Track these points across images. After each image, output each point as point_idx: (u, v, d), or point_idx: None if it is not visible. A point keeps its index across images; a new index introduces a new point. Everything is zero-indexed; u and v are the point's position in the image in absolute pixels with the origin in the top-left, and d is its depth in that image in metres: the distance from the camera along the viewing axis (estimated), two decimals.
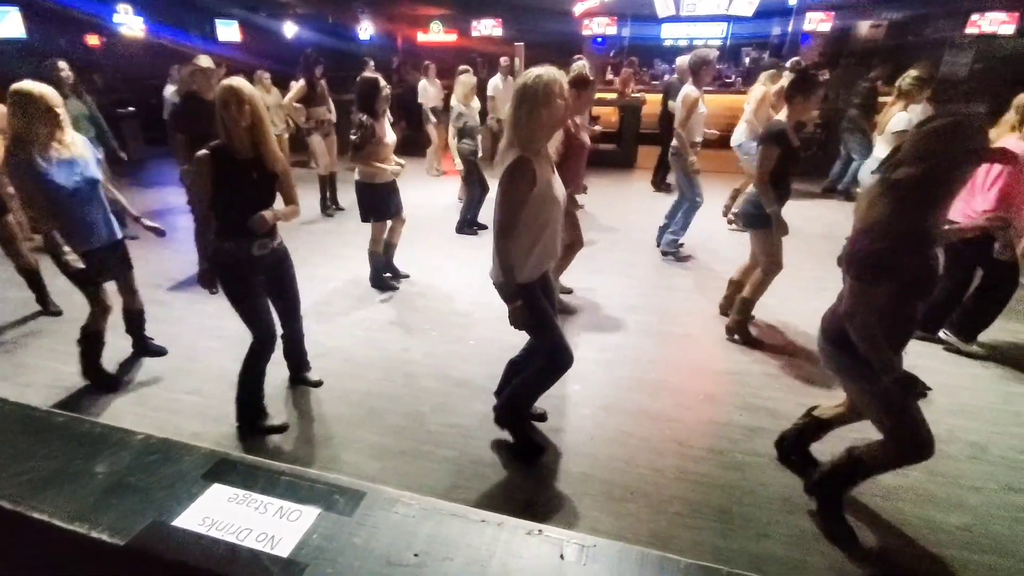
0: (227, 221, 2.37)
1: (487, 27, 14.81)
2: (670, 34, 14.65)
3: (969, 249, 3.10)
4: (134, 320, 3.26)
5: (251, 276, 2.45)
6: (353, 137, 3.70)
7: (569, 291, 4.15)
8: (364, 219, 4.01)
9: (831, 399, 2.39)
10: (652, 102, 9.15)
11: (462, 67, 5.96)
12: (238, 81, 2.21)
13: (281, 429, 2.67)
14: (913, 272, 1.66)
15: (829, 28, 11.02)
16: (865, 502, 2.23)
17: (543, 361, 2.34)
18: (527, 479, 2.40)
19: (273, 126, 6.62)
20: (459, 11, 15.55)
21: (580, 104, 3.35)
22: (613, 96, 9.33)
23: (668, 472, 2.40)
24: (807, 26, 10.96)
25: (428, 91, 7.59)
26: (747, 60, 13.38)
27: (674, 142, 4.52)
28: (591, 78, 3.39)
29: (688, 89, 4.38)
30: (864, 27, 11.97)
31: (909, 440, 1.86)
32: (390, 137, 3.87)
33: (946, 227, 2.91)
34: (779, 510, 2.20)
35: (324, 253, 5.02)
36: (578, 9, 14.61)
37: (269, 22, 14.06)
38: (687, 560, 1.01)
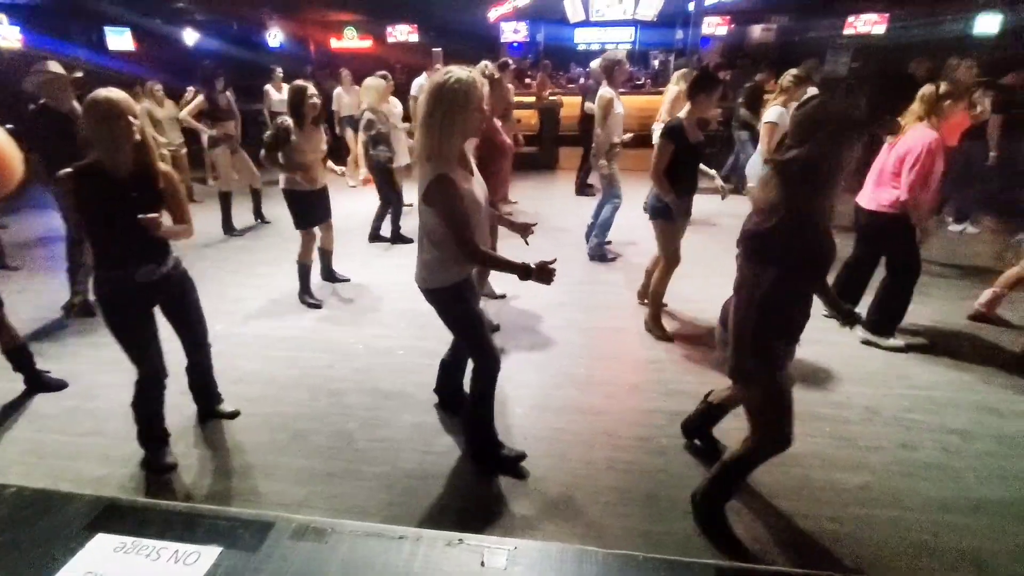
0: (105, 247, 2.14)
1: (403, 33, 14.64)
2: (583, 39, 15.10)
3: (880, 235, 3.29)
4: (18, 357, 2.95)
5: (136, 306, 2.22)
6: (265, 137, 3.59)
7: (501, 296, 4.17)
8: (297, 226, 3.94)
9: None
10: (569, 104, 9.44)
11: (380, 73, 5.84)
12: (116, 92, 2.03)
13: (170, 467, 2.42)
14: (801, 254, 1.66)
15: (726, 32, 11.83)
16: (773, 472, 2.38)
17: (476, 371, 2.30)
18: (463, 487, 2.37)
19: (166, 141, 6.25)
20: (373, 17, 15.25)
21: (493, 102, 3.18)
22: (531, 99, 9.52)
23: (599, 464, 2.45)
24: (706, 30, 11.69)
25: (343, 99, 7.37)
26: (656, 63, 14.07)
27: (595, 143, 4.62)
28: (496, 75, 3.38)
29: (603, 91, 4.47)
30: (757, 30, 12.94)
31: (776, 434, 1.89)
32: (314, 147, 3.75)
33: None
34: None
35: (236, 272, 4.75)
36: (492, 14, 14.78)
37: (166, 29, 13.13)
38: (604, 551, 1.04)
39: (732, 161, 7.14)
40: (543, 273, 2.05)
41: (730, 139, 7.30)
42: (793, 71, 4.31)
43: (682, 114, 3.24)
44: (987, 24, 9.89)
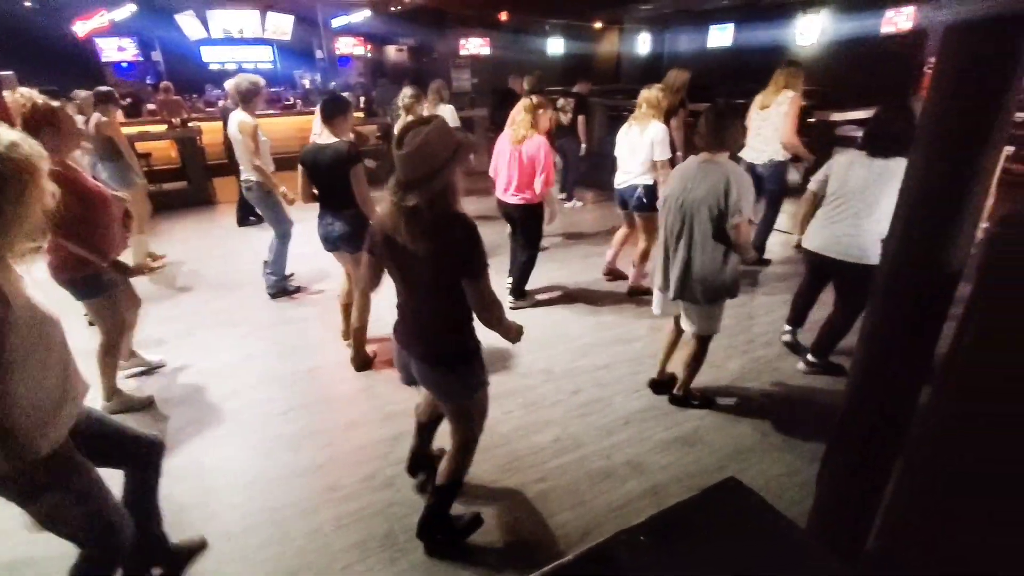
0: None
1: None
2: (213, 57, 13.63)
3: (522, 220, 4.01)
4: None
5: None
6: None
7: (161, 365, 3.48)
8: None
9: None
10: (211, 130, 8.43)
11: None
12: None
13: None
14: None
15: (364, 52, 12.34)
16: (487, 459, 2.62)
17: (87, 561, 1.60)
18: None
19: None
20: None
21: (64, 142, 2.48)
22: (162, 128, 8.14)
23: (326, 527, 2.25)
24: (344, 50, 11.96)
25: None
26: (306, 83, 13.70)
27: (250, 176, 4.20)
28: (50, 104, 2.47)
29: (243, 117, 4.07)
30: (392, 51, 13.90)
31: (478, 433, 2.06)
32: None
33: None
34: None
35: None
36: (81, 28, 11.96)
37: None
38: None
39: None
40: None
41: (388, 153, 7.64)
42: (407, 91, 4.76)
43: (325, 139, 3.15)
44: (554, 46, 13.06)
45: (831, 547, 1.51)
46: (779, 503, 2.28)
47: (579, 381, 3.26)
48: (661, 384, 3.15)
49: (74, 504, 1.46)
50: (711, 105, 2.55)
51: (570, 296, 4.44)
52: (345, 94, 5.09)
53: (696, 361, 2.89)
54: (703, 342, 2.82)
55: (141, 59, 13.49)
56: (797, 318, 3.53)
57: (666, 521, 1.09)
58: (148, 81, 13.25)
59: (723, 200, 2.40)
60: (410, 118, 4.54)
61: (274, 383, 3.32)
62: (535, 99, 3.84)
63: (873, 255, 2.83)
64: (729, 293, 2.65)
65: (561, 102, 6.54)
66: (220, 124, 7.99)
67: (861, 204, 2.85)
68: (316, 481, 2.53)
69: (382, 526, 2.25)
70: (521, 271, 4.21)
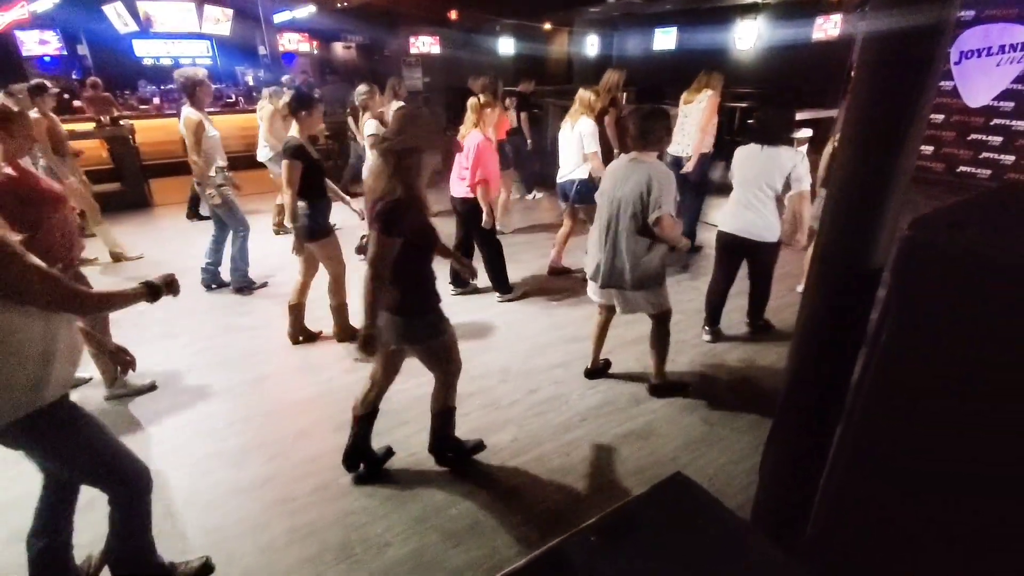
0: None
1: None
2: (146, 51, 12.88)
3: (469, 216, 4.12)
4: None
5: None
6: None
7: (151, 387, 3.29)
8: None
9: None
10: (147, 128, 8.01)
11: None
12: None
13: None
14: (416, 226, 2.03)
15: (309, 49, 11.95)
16: (449, 460, 2.60)
17: (119, 497, 1.79)
18: None
19: None
20: None
21: (16, 146, 2.50)
22: (90, 127, 7.61)
23: (278, 542, 2.18)
24: (289, 47, 11.55)
25: None
26: (249, 79, 13.13)
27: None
28: (14, 109, 2.55)
29: (188, 112, 4.04)
30: (339, 48, 13.55)
31: (456, 368, 2.40)
32: None
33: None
34: (392, 511, 2.32)
35: None
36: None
37: None
38: None
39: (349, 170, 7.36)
40: (173, 285, 1.97)
41: (340, 151, 7.47)
42: (363, 88, 4.87)
43: (293, 133, 3.31)
44: (505, 46, 13.08)
45: (774, 535, 1.58)
46: (727, 491, 2.39)
47: (536, 380, 3.28)
48: (596, 372, 3.31)
49: (81, 449, 1.66)
50: (636, 108, 2.73)
51: (525, 293, 4.47)
52: (286, 92, 5.04)
53: (661, 343, 3.02)
54: (661, 321, 2.96)
55: (65, 53, 12.61)
56: (712, 317, 3.77)
57: (616, 520, 1.10)
58: (74, 76, 12.39)
59: (646, 196, 2.60)
60: (368, 114, 4.74)
61: (217, 397, 3.18)
62: (482, 98, 4.06)
63: (776, 232, 3.32)
64: (655, 280, 2.83)
65: (506, 101, 6.65)
66: (155, 122, 7.61)
67: (757, 188, 3.24)
68: (265, 495, 2.44)
69: (338, 536, 2.19)
70: (488, 266, 4.30)
